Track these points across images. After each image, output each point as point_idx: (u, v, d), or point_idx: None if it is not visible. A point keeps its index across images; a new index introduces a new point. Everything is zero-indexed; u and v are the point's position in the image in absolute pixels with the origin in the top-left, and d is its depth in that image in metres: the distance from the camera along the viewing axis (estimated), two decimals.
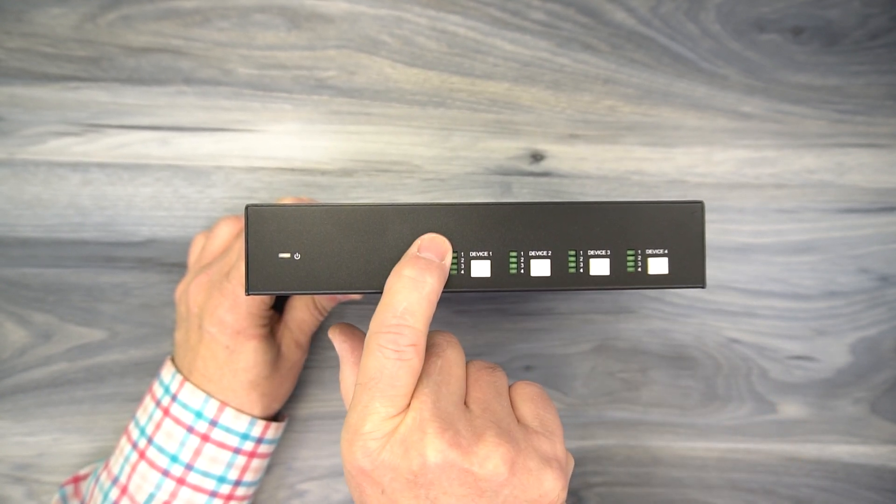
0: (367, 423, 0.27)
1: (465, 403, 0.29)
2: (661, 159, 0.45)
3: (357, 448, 0.27)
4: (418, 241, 0.30)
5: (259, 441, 0.39)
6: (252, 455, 0.39)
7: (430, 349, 0.30)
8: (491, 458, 0.27)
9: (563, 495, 0.28)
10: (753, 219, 0.46)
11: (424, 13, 0.45)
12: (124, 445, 0.39)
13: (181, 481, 0.37)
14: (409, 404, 0.28)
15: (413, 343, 0.28)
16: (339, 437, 0.29)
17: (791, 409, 0.46)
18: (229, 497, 0.38)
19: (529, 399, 0.31)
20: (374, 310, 0.45)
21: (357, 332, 0.33)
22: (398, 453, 0.27)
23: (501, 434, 0.28)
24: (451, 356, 0.30)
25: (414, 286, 0.28)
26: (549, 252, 0.31)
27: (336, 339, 0.33)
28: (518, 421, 0.30)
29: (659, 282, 0.31)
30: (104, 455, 0.43)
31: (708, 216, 0.45)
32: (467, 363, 0.31)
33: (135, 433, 0.39)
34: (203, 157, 0.44)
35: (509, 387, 0.32)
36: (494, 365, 0.32)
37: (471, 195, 0.45)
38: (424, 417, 0.27)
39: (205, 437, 0.37)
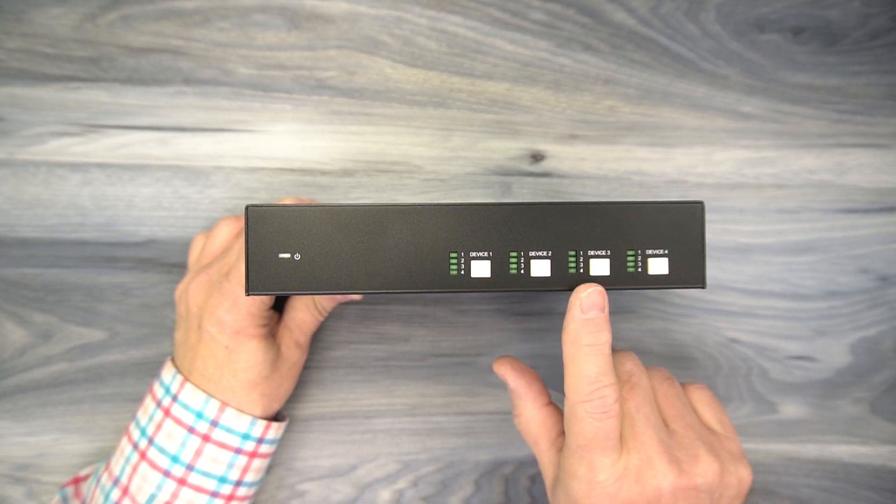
0: (599, 473, 0.31)
1: (664, 421, 0.34)
2: (661, 159, 0.45)
3: (596, 495, 0.32)
4: (577, 301, 0.30)
5: (260, 441, 0.39)
6: (253, 455, 0.39)
7: (627, 379, 0.33)
8: (707, 473, 0.32)
9: (751, 474, 0.34)
10: (753, 219, 0.46)
11: (424, 13, 0.45)
12: (125, 446, 0.39)
13: (182, 482, 0.37)
14: (621, 442, 0.32)
15: (616, 398, 0.31)
16: (551, 485, 0.34)
17: (791, 409, 0.46)
18: (230, 497, 0.38)
19: (708, 405, 0.36)
20: (374, 309, 0.45)
21: (526, 367, 0.36)
22: (635, 490, 0.31)
23: (710, 451, 0.33)
24: (645, 383, 0.33)
25: (595, 350, 0.31)
26: (549, 252, 0.31)
27: (509, 375, 0.36)
28: (706, 426, 0.35)
29: (659, 282, 0.31)
30: (104, 455, 0.43)
31: (708, 216, 0.45)
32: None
33: (135, 434, 0.39)
34: (203, 158, 0.44)
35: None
36: (668, 373, 0.36)
37: (471, 195, 0.45)
38: (650, 456, 0.31)
39: (206, 438, 0.37)
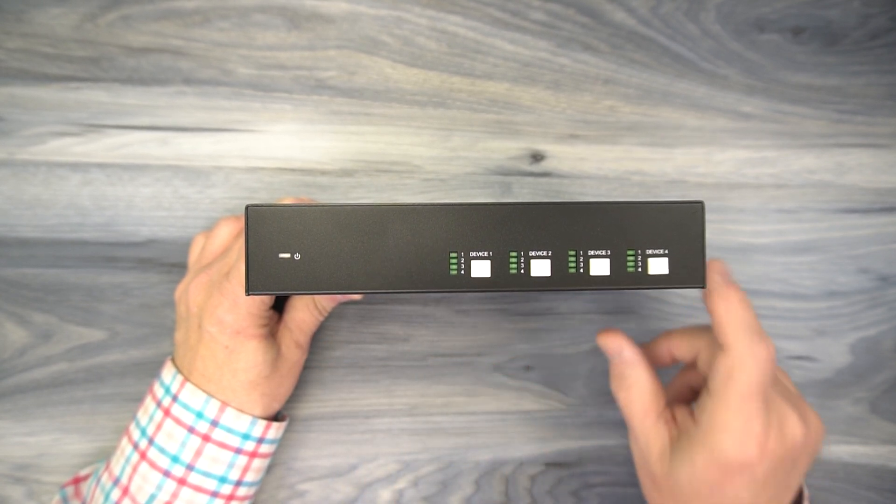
0: (756, 425, 0.32)
1: None
2: (661, 159, 0.45)
3: (749, 446, 0.32)
4: (717, 268, 0.34)
5: (260, 441, 0.39)
6: (253, 455, 0.39)
7: None
8: (819, 431, 0.35)
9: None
10: (753, 219, 0.46)
11: (424, 13, 0.45)
12: (125, 446, 0.39)
13: (182, 482, 0.37)
14: None
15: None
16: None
17: None
18: (230, 497, 0.38)
19: (782, 373, 0.38)
20: (374, 309, 0.45)
21: (631, 340, 0.37)
22: (778, 442, 0.33)
23: (811, 411, 0.35)
24: None
25: (748, 304, 0.33)
26: (549, 252, 0.31)
27: (625, 344, 0.37)
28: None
29: (659, 282, 0.31)
30: (104, 455, 0.43)
31: (708, 216, 0.45)
32: None
33: (136, 434, 0.39)
34: (203, 158, 0.44)
35: None
36: None
37: (471, 195, 0.45)
38: (785, 411, 0.33)
39: (206, 438, 0.37)
